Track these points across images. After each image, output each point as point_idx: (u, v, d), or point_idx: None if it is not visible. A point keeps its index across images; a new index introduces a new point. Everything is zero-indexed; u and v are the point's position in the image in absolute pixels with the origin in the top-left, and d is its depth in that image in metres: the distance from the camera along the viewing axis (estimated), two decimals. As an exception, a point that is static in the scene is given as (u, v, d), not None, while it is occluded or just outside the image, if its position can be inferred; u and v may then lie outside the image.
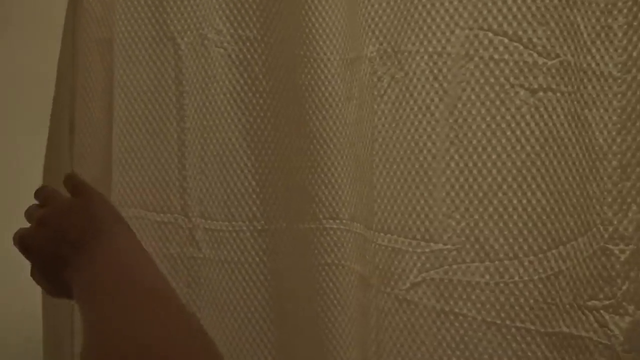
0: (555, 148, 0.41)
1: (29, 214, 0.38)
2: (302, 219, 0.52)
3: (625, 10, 0.41)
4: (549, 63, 0.40)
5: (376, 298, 0.46)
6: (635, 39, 0.41)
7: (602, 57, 0.42)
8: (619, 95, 0.42)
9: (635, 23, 0.41)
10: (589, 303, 0.42)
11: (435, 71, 0.42)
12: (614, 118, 0.42)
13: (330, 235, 0.52)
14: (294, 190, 0.51)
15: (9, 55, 1.00)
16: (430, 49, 0.42)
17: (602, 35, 0.42)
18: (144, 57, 0.52)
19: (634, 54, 0.41)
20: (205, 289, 0.51)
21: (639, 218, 0.41)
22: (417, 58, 0.43)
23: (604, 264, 0.43)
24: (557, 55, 0.41)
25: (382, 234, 0.46)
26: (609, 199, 0.43)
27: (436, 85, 0.43)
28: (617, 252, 0.42)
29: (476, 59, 0.40)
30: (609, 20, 0.42)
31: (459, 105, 0.41)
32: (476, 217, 0.40)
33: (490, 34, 0.40)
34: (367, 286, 0.48)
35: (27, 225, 0.37)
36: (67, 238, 0.33)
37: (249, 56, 0.49)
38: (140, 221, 0.52)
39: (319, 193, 0.51)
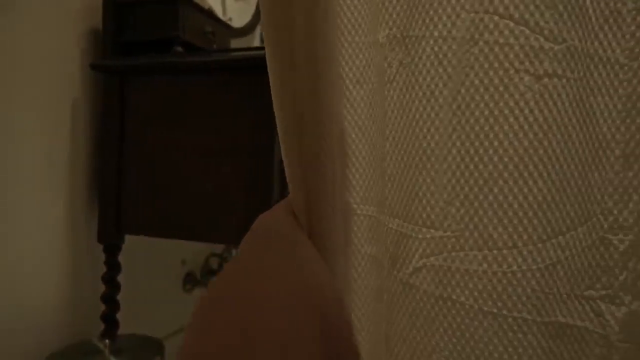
0: (559, 136, 0.40)
1: None
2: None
3: (635, -5, 0.40)
4: (556, 48, 0.39)
5: (387, 279, 0.47)
6: (644, 25, 0.40)
7: (609, 43, 0.41)
8: (625, 83, 0.41)
9: (644, 9, 0.40)
10: (586, 293, 0.42)
11: (440, 56, 0.41)
12: (619, 106, 0.41)
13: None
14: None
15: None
16: (436, 33, 0.41)
17: (611, 20, 0.41)
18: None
19: (642, 40, 0.40)
20: None
21: (640, 208, 0.41)
22: (423, 43, 0.42)
23: (603, 254, 0.42)
24: (564, 40, 0.40)
25: (391, 218, 0.46)
26: (610, 189, 0.42)
27: (440, 70, 0.41)
28: (616, 242, 0.42)
29: (481, 43, 0.39)
30: (618, 5, 0.41)
31: (462, 91, 0.40)
32: (476, 204, 0.40)
33: (496, 17, 0.39)
34: (381, 267, 0.48)
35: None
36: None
37: None
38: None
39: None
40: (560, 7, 0.39)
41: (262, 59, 1.08)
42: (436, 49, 0.42)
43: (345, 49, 0.48)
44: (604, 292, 0.42)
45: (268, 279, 0.27)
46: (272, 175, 1.03)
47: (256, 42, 1.82)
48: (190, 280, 1.61)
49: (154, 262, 1.41)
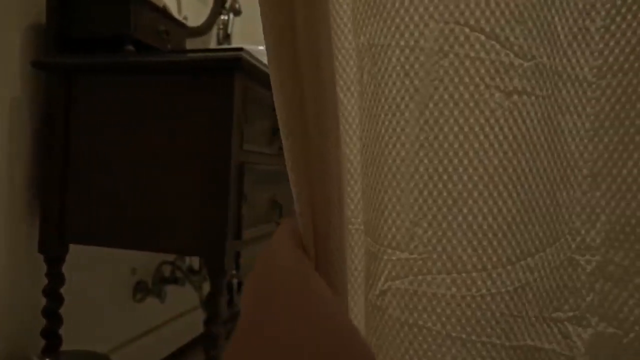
0: (528, 154, 0.39)
1: None
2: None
3: (603, 13, 0.40)
4: (525, 65, 0.38)
5: (365, 299, 0.45)
6: (612, 43, 0.39)
7: (577, 60, 0.40)
8: (593, 101, 0.40)
9: (612, 27, 0.39)
10: (554, 315, 0.41)
11: (407, 67, 0.39)
12: (587, 125, 0.41)
13: None
14: None
15: None
16: (402, 43, 0.39)
17: (579, 37, 0.40)
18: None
19: (610, 59, 0.39)
20: None
21: (607, 229, 0.40)
22: (389, 52, 0.39)
23: (570, 275, 0.42)
24: (533, 57, 0.39)
25: (365, 236, 0.44)
26: (578, 208, 0.41)
27: (407, 82, 0.39)
28: (583, 262, 0.41)
29: (451, 55, 0.37)
30: (587, 22, 0.40)
31: (431, 105, 0.38)
32: (445, 225, 0.38)
33: (467, 30, 0.37)
34: (366, 285, 0.45)
35: None
36: None
37: None
38: None
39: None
40: (530, 23, 0.38)
41: (220, 61, 1.03)
42: (402, 59, 0.39)
43: (338, 52, 0.46)
44: (571, 314, 0.41)
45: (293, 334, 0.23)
46: (229, 181, 0.99)
47: (213, 43, 1.76)
48: (142, 289, 1.55)
49: (100, 272, 1.34)
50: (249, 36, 1.94)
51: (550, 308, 0.41)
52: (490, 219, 0.38)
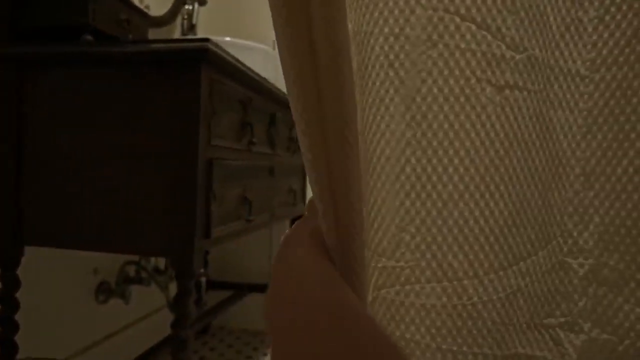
0: (519, 153, 0.36)
1: None
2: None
3: (596, 3, 0.37)
4: (517, 57, 0.36)
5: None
6: (606, 35, 0.37)
7: (570, 53, 0.38)
8: (586, 96, 0.38)
9: (606, 17, 0.37)
10: (545, 321, 0.39)
11: (391, 56, 0.36)
12: (580, 121, 0.39)
13: None
14: None
15: None
16: (386, 30, 0.36)
17: (572, 28, 0.38)
18: None
19: (604, 51, 0.37)
20: None
21: (601, 231, 0.38)
22: (372, 40, 0.36)
23: (562, 279, 0.40)
24: (525, 49, 0.37)
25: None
26: (570, 209, 0.39)
27: (391, 73, 0.36)
28: (575, 266, 0.40)
29: (440, 46, 0.34)
30: (580, 13, 0.38)
31: (418, 99, 0.35)
32: (434, 230, 0.35)
33: (457, 19, 0.34)
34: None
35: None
36: None
37: None
38: None
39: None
40: (522, 13, 0.36)
41: (186, 52, 0.98)
42: (386, 48, 0.36)
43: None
44: (562, 320, 0.39)
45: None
46: (196, 178, 0.95)
47: (177, 34, 1.70)
48: (104, 291, 1.48)
49: (59, 274, 1.27)
50: (215, 27, 1.88)
51: (542, 314, 0.39)
52: (482, 222, 0.35)
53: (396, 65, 0.36)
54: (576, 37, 0.38)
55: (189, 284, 0.98)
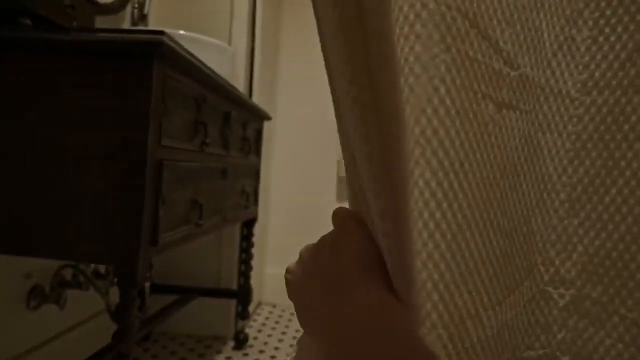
0: (510, 178, 0.34)
1: None
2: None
3: (590, 22, 0.36)
4: (512, 74, 0.33)
5: None
6: (599, 56, 0.36)
7: (562, 72, 0.36)
8: (575, 119, 0.37)
9: (600, 38, 0.36)
10: (525, 354, 0.37)
11: (400, 60, 0.31)
12: (568, 145, 0.37)
13: None
14: None
15: None
16: (395, 30, 0.31)
17: (565, 47, 0.36)
18: None
19: (596, 73, 0.36)
20: None
21: (584, 261, 0.37)
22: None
23: (542, 309, 0.38)
24: (518, 67, 0.34)
25: None
26: (553, 237, 0.38)
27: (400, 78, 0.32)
28: (556, 296, 0.38)
29: (453, 50, 0.30)
30: (573, 32, 0.36)
31: (429, 111, 0.31)
32: (442, 267, 0.31)
33: (467, 23, 0.30)
34: None
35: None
36: (310, 282, 0.30)
37: None
38: None
39: None
40: (518, 27, 0.34)
41: (138, 44, 0.91)
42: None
43: None
44: (541, 352, 0.38)
45: None
46: (145, 180, 0.88)
47: (126, 24, 1.60)
48: (37, 296, 1.37)
49: (-14, 280, 1.16)
50: (168, 19, 1.79)
51: (522, 347, 0.37)
52: (484, 253, 0.32)
53: (405, 70, 0.31)
54: (568, 57, 0.36)
55: (132, 294, 0.91)
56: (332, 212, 0.31)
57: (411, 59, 0.30)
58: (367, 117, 0.20)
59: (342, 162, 1.99)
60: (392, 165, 0.20)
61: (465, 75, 0.30)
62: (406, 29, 0.30)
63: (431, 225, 0.30)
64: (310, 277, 0.30)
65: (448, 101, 0.30)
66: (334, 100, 0.25)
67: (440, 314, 0.31)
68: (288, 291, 0.33)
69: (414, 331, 0.25)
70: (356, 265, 0.27)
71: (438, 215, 0.30)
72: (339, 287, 0.27)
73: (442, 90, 0.30)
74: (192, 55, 1.00)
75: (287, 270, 0.33)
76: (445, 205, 0.30)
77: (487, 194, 0.32)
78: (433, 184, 0.30)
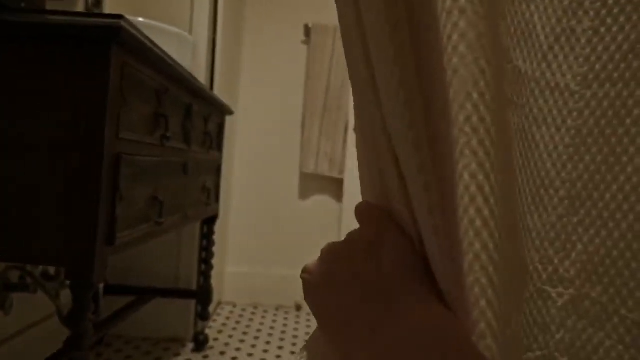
0: (505, 175, 0.32)
1: None
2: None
3: (592, 13, 0.34)
4: (508, 67, 0.32)
5: None
6: (600, 48, 0.34)
7: (559, 66, 0.35)
8: (575, 114, 0.35)
9: (602, 29, 0.34)
10: (524, 357, 0.36)
11: (444, 37, 0.29)
12: (567, 140, 0.36)
13: None
14: None
15: None
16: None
17: (563, 39, 0.34)
18: None
19: (597, 66, 0.34)
20: None
21: (584, 260, 0.35)
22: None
23: (540, 309, 0.36)
24: (511, 60, 0.33)
25: None
26: (552, 234, 0.36)
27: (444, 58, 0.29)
28: (554, 295, 0.36)
29: (467, 38, 0.28)
30: (572, 23, 0.35)
31: (475, 96, 0.29)
32: (490, 269, 0.29)
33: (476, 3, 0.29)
34: None
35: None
36: (330, 283, 0.29)
37: None
38: None
39: None
40: (509, 19, 0.32)
41: (94, 29, 0.84)
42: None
43: None
44: (539, 353, 0.36)
45: None
46: (101, 175, 0.82)
47: (80, 8, 1.51)
48: (-21, 300, 1.27)
49: None
50: (124, 6, 1.70)
51: (522, 349, 0.35)
52: (496, 257, 0.30)
53: (449, 49, 0.28)
54: (567, 49, 0.34)
55: (87, 298, 0.85)
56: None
57: (455, 37, 0.27)
58: (414, 101, 0.17)
59: (305, 158, 1.97)
60: (442, 154, 0.18)
61: (472, 64, 0.29)
62: (449, 2, 0.27)
63: (478, 223, 0.29)
64: (343, 284, 0.28)
65: (493, 87, 0.28)
66: (355, 92, 0.23)
67: (489, 322, 0.29)
68: (305, 292, 0.31)
69: (471, 339, 0.23)
70: (400, 271, 0.25)
71: (486, 212, 0.28)
72: (385, 296, 0.25)
73: (488, 74, 0.28)
74: (153, 43, 0.94)
75: (305, 270, 0.31)
76: (492, 200, 0.28)
77: (488, 193, 0.30)
78: (480, 177, 0.28)
